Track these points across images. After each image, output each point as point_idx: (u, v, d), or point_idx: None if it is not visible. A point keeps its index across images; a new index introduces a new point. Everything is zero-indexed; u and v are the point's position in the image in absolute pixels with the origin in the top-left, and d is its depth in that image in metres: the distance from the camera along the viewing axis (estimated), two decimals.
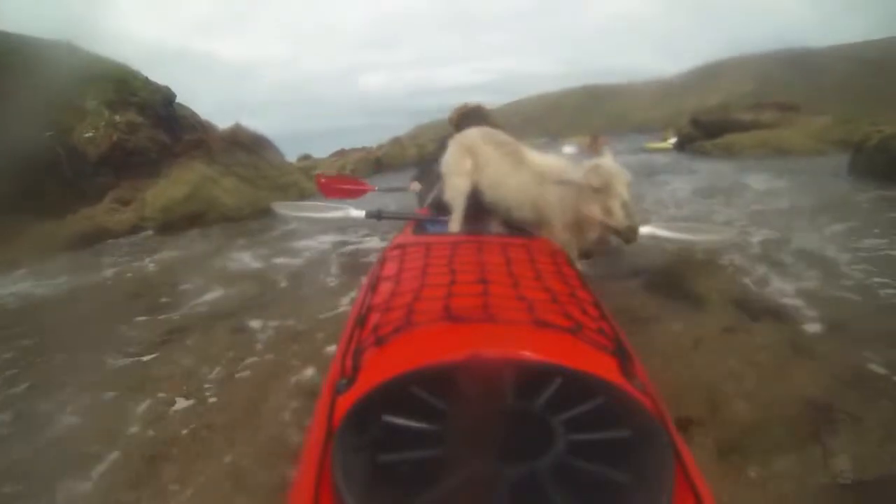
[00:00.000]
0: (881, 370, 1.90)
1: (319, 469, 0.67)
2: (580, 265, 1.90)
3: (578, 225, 1.84)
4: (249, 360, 2.43)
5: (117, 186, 8.98)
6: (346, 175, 2.84)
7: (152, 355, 2.74)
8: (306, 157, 17.67)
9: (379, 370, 0.88)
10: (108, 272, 5.52)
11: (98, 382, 2.49)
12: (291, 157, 14.66)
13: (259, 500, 1.44)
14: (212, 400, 2.14)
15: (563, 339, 1.01)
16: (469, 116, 2.54)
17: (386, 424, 0.70)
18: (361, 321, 1.13)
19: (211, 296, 3.79)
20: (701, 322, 2.42)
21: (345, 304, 3.00)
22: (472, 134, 2.12)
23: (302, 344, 2.47)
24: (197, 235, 7.11)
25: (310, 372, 2.15)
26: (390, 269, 1.48)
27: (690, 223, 3.20)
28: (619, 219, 1.70)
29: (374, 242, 4.70)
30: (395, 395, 0.76)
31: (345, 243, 4.81)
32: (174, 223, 7.40)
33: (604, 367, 0.92)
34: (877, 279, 2.92)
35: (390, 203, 5.50)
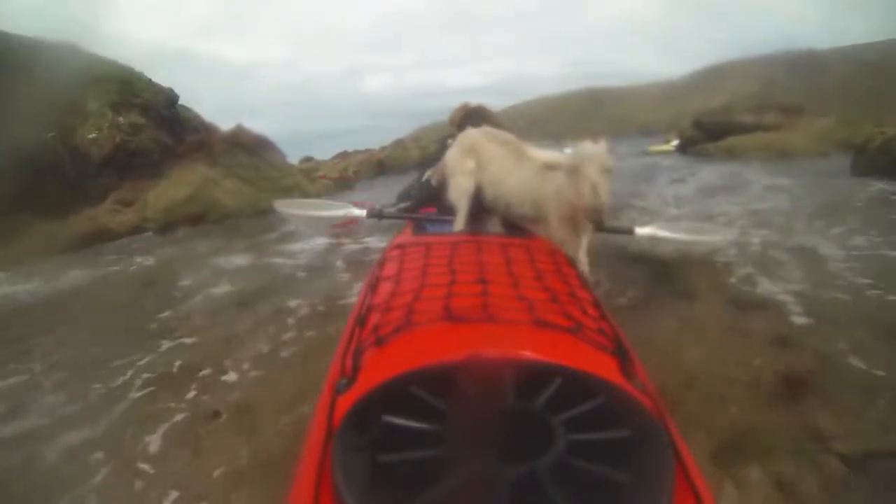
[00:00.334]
0: (851, 357, 2.11)
1: (319, 469, 0.67)
2: (584, 256, 1.88)
3: (574, 219, 1.82)
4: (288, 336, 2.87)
5: (120, 187, 9.02)
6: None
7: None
8: (308, 159, 17.69)
9: (379, 370, 0.88)
10: (114, 269, 5.61)
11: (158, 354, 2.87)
12: (293, 158, 14.69)
13: None
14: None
15: (563, 339, 1.01)
16: (471, 116, 2.54)
17: (386, 424, 0.70)
18: (361, 321, 1.13)
19: (222, 289, 4.09)
20: (690, 311, 2.65)
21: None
22: (475, 133, 2.11)
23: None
24: (198, 236, 7.15)
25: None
26: (390, 269, 1.48)
27: (690, 224, 3.21)
28: (585, 198, 1.70)
29: (372, 242, 4.81)
30: (395, 395, 0.76)
31: (343, 244, 4.88)
32: (175, 224, 7.44)
33: (604, 367, 0.92)
34: (865, 278, 3.03)
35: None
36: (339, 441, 0.67)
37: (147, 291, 4.50)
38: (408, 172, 11.63)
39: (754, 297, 2.88)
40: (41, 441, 2.11)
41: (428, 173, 2.65)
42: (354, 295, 3.31)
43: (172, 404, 2.29)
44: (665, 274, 3.13)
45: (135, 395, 2.46)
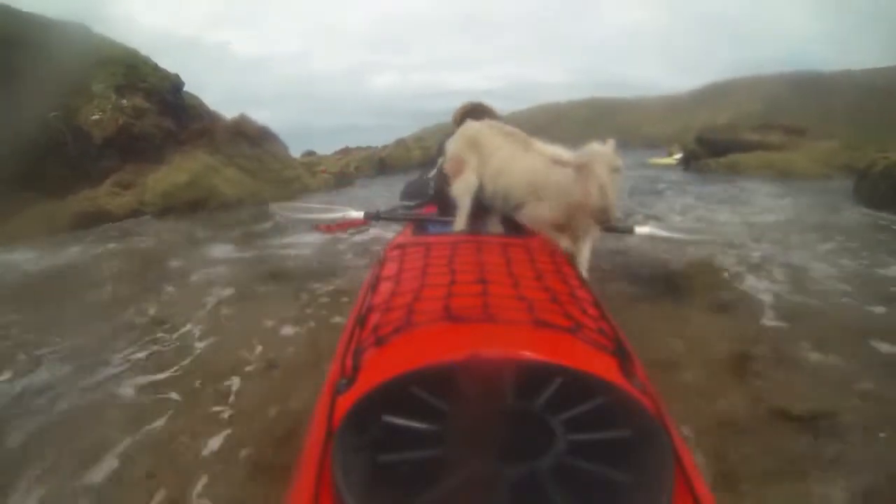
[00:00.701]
0: (810, 353, 2.43)
1: (319, 469, 0.68)
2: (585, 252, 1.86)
3: (577, 217, 1.78)
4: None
5: (120, 170, 8.98)
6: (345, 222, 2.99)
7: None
8: (310, 153, 17.65)
9: (379, 370, 0.88)
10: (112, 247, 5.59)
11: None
12: (296, 151, 14.68)
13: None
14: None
15: (562, 339, 1.01)
16: (471, 113, 2.49)
17: (386, 424, 0.70)
18: (361, 321, 1.14)
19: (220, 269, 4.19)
20: (678, 309, 2.97)
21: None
22: (477, 125, 2.05)
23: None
24: (195, 222, 7.14)
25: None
26: (390, 269, 1.48)
27: (688, 224, 3.31)
28: (592, 198, 1.63)
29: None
30: (395, 395, 0.76)
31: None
32: (174, 209, 7.41)
33: (604, 367, 0.93)
34: (845, 292, 3.29)
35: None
36: (339, 441, 0.68)
37: (133, 273, 4.54)
38: (408, 172, 11.62)
39: (734, 296, 3.21)
40: None
41: (440, 163, 2.59)
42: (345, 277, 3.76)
43: None
44: (656, 274, 3.49)
45: None
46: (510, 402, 0.76)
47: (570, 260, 1.76)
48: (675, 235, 2.87)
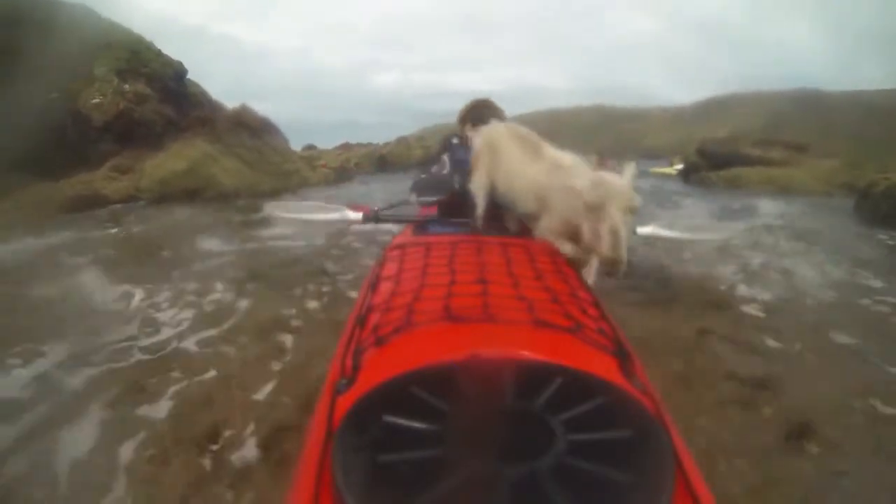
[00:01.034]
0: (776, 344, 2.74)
1: (319, 469, 0.67)
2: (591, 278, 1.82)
3: (571, 232, 1.73)
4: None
5: (119, 155, 8.91)
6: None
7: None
8: (311, 147, 17.59)
9: (379, 370, 0.88)
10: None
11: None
12: (297, 145, 14.64)
13: None
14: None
15: (563, 339, 1.01)
16: (475, 110, 2.43)
17: (386, 424, 0.70)
18: (361, 321, 1.14)
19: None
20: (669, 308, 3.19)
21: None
22: (498, 127, 2.01)
23: None
24: (191, 210, 7.07)
25: None
26: (390, 269, 1.48)
27: (689, 223, 3.33)
28: (603, 245, 1.48)
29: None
30: (395, 395, 0.76)
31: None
32: (170, 196, 7.33)
33: (604, 367, 0.93)
34: (830, 296, 3.55)
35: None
36: (339, 441, 0.67)
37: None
38: (408, 170, 11.57)
39: (724, 297, 3.48)
40: None
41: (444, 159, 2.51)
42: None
43: None
44: (655, 274, 3.68)
45: None
46: (510, 402, 0.76)
47: (577, 270, 1.72)
48: (677, 234, 2.84)
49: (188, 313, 3.09)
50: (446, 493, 0.58)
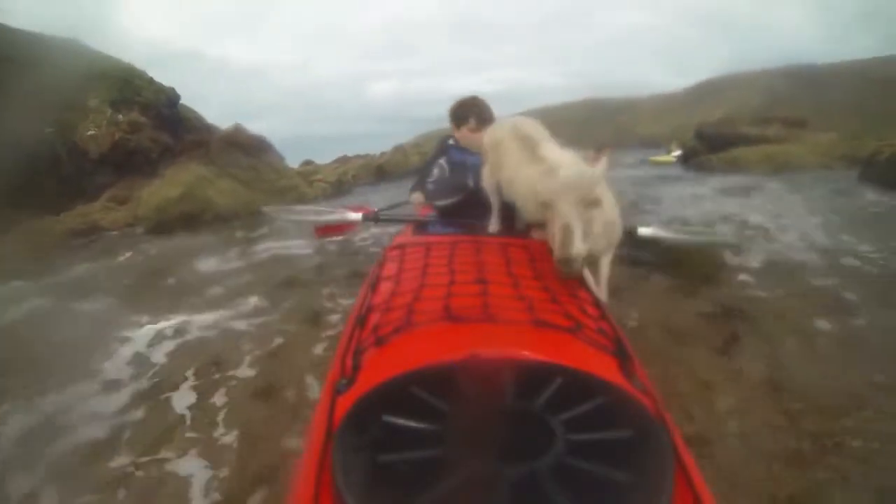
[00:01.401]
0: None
1: (319, 469, 0.67)
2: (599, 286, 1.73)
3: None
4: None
5: (116, 185, 8.93)
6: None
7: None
8: (308, 163, 17.60)
9: (379, 370, 0.88)
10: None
11: None
12: (295, 161, 14.65)
13: None
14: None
15: (562, 339, 1.01)
16: (463, 108, 2.36)
17: (386, 424, 0.70)
18: (361, 321, 1.14)
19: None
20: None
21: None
22: (502, 127, 1.90)
23: None
24: (189, 236, 7.02)
25: None
26: (390, 269, 1.49)
27: (693, 226, 3.22)
28: (554, 244, 1.35)
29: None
30: (395, 395, 0.76)
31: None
32: (167, 223, 7.30)
33: (604, 367, 0.93)
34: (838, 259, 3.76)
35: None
36: (339, 441, 0.67)
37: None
38: (406, 178, 11.55)
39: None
40: None
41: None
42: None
43: None
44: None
45: None
46: (510, 402, 0.76)
47: (583, 282, 1.64)
48: (680, 237, 2.78)
49: (232, 311, 3.60)
50: (446, 493, 0.58)
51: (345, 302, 3.56)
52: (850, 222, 4.73)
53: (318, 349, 2.83)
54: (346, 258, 4.79)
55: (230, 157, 9.12)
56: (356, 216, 2.57)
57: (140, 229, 7.63)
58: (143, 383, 2.62)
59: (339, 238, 4.76)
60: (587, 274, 1.69)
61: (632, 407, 0.74)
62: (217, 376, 2.63)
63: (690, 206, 6.55)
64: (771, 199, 6.63)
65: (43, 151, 8.36)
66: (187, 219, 7.48)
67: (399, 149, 18.06)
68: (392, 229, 2.57)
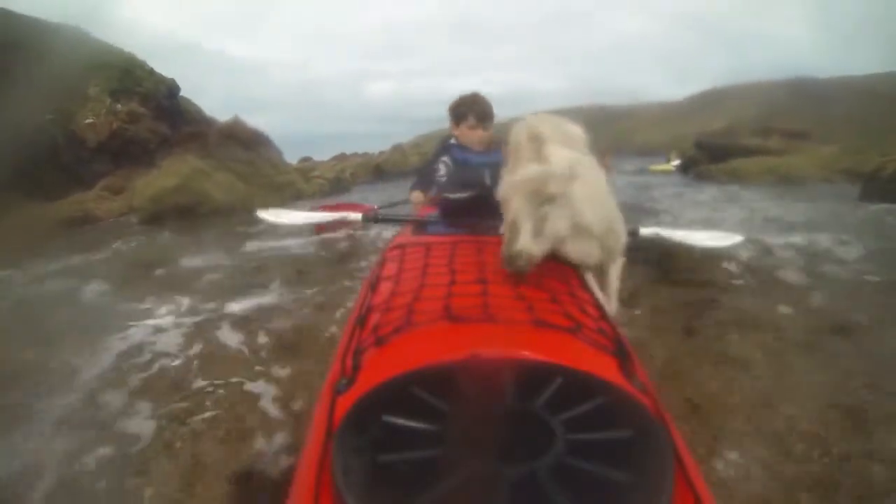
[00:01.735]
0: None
1: (319, 469, 0.68)
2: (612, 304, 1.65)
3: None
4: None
5: (112, 174, 8.84)
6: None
7: None
8: (306, 160, 17.55)
9: (379, 370, 0.88)
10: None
11: None
12: (293, 158, 14.61)
13: None
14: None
15: (562, 339, 1.01)
16: (462, 106, 2.29)
17: (386, 424, 0.70)
18: (362, 321, 1.14)
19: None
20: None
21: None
22: (521, 127, 1.80)
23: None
24: (183, 228, 6.93)
25: None
26: (390, 269, 1.49)
27: (695, 228, 3.18)
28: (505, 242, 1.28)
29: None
30: (395, 395, 0.76)
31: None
32: (162, 214, 7.21)
33: (604, 367, 0.93)
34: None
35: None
36: (339, 441, 0.67)
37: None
38: (405, 178, 11.50)
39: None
40: None
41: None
42: None
43: None
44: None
45: None
46: (510, 402, 0.76)
47: (583, 282, 1.56)
48: (682, 239, 2.77)
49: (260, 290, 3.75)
50: (446, 493, 0.58)
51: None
52: (859, 238, 4.66)
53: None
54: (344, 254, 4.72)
55: (228, 151, 9.05)
56: (356, 216, 2.52)
57: (134, 219, 7.54)
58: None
59: (337, 234, 4.68)
60: (591, 280, 1.64)
61: (632, 407, 0.74)
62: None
63: (691, 213, 6.53)
64: (772, 210, 6.60)
65: (41, 138, 8.28)
66: (182, 211, 7.39)
67: (398, 148, 18.05)
68: (391, 229, 2.52)
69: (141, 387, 2.41)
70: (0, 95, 7.47)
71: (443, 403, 0.73)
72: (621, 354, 0.98)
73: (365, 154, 19.56)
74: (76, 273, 4.72)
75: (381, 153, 18.17)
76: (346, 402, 0.79)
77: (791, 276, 3.62)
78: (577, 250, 1.48)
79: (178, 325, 3.18)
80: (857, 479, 1.60)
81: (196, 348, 2.80)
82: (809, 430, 1.82)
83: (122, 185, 8.44)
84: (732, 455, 1.70)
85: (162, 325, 3.22)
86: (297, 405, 2.17)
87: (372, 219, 2.47)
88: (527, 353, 0.92)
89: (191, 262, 4.88)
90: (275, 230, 5.53)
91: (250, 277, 4.11)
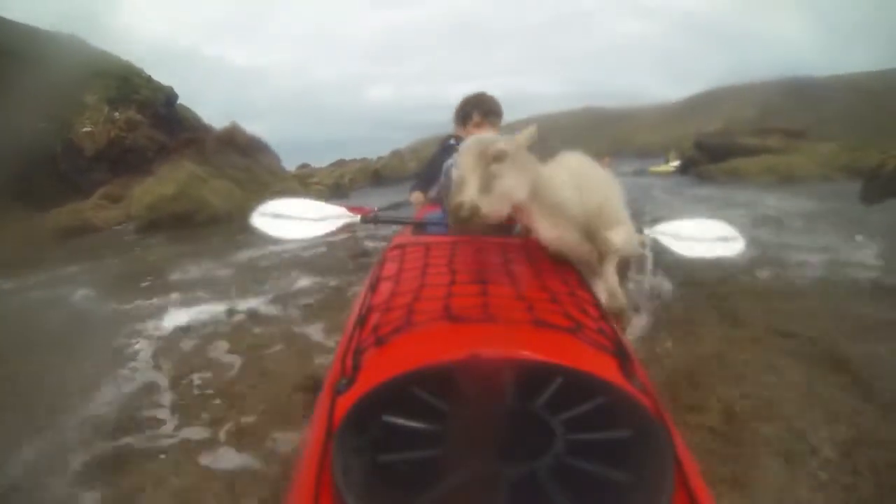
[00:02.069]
0: None
1: (319, 469, 0.67)
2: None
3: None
4: None
5: (110, 183, 8.81)
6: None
7: None
8: (304, 166, 17.56)
9: (379, 370, 0.88)
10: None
11: None
12: (292, 164, 14.65)
13: None
14: None
15: (563, 339, 1.01)
16: (470, 105, 2.26)
17: (386, 424, 0.70)
18: (361, 321, 1.14)
19: None
20: None
21: None
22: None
23: None
24: (180, 236, 6.89)
25: None
26: (390, 269, 1.49)
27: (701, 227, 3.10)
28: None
29: None
30: (395, 395, 0.76)
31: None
32: (160, 222, 7.17)
33: (604, 367, 0.93)
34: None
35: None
36: (339, 441, 0.67)
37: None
38: (403, 183, 11.50)
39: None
40: None
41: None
42: None
43: None
44: None
45: None
46: (510, 402, 0.76)
47: (583, 282, 1.51)
48: (682, 246, 2.66)
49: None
50: (446, 493, 0.57)
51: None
52: (871, 238, 4.62)
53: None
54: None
55: (225, 157, 9.02)
56: (354, 218, 2.48)
57: (131, 227, 7.51)
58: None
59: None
60: (590, 279, 1.60)
61: (632, 407, 0.74)
62: None
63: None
64: (780, 209, 6.60)
65: (38, 147, 8.28)
66: (180, 218, 7.35)
67: (396, 153, 18.08)
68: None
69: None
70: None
71: (443, 403, 0.73)
72: (621, 354, 0.98)
73: (364, 160, 19.59)
74: (73, 282, 4.71)
75: (380, 158, 18.20)
76: (346, 402, 0.79)
77: (808, 278, 3.64)
78: (551, 231, 1.43)
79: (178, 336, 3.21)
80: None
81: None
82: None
83: (121, 194, 8.40)
84: None
85: (162, 331, 3.27)
86: None
87: (371, 221, 2.43)
88: (527, 353, 0.92)
89: (188, 271, 4.88)
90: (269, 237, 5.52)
91: (251, 280, 4.24)
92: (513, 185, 1.27)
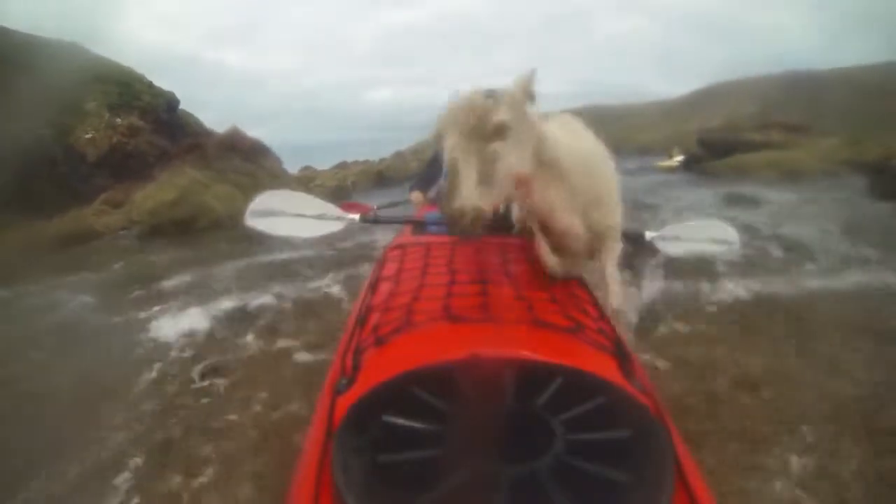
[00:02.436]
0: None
1: (319, 469, 0.67)
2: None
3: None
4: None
5: (112, 189, 8.81)
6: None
7: None
8: (307, 169, 17.57)
9: (379, 370, 0.88)
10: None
11: None
12: (294, 167, 14.60)
13: None
14: None
15: (562, 339, 1.01)
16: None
17: (386, 424, 0.70)
18: (362, 321, 1.14)
19: None
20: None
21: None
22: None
23: None
24: (182, 242, 6.87)
25: None
26: (390, 269, 1.49)
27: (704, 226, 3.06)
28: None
29: None
30: (395, 395, 0.76)
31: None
32: (161, 227, 7.15)
33: (604, 367, 0.93)
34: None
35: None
36: (339, 441, 0.67)
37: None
38: (406, 184, 11.49)
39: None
40: None
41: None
42: None
43: None
44: None
45: None
46: (510, 402, 0.76)
47: (583, 282, 1.46)
48: (682, 247, 2.60)
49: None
50: (446, 493, 0.58)
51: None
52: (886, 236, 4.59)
53: None
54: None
55: (227, 162, 9.02)
56: (353, 216, 2.44)
57: (133, 233, 7.51)
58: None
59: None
60: (589, 278, 1.56)
61: (631, 407, 0.74)
62: None
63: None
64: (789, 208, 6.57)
65: (39, 154, 8.28)
66: (182, 224, 7.33)
67: (399, 154, 18.07)
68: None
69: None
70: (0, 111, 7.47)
71: (443, 403, 0.73)
72: (621, 354, 0.98)
73: (366, 161, 19.56)
74: (75, 289, 4.71)
75: (383, 160, 18.19)
76: (346, 402, 0.79)
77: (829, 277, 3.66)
78: (555, 205, 1.21)
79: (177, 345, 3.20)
80: None
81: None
82: None
83: (122, 199, 8.40)
84: None
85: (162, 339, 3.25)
86: None
87: (371, 220, 2.39)
88: (527, 353, 0.92)
89: (189, 276, 4.87)
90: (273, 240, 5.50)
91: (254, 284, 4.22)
92: (516, 161, 1.00)
